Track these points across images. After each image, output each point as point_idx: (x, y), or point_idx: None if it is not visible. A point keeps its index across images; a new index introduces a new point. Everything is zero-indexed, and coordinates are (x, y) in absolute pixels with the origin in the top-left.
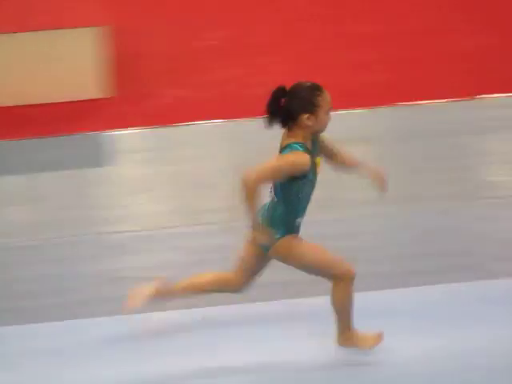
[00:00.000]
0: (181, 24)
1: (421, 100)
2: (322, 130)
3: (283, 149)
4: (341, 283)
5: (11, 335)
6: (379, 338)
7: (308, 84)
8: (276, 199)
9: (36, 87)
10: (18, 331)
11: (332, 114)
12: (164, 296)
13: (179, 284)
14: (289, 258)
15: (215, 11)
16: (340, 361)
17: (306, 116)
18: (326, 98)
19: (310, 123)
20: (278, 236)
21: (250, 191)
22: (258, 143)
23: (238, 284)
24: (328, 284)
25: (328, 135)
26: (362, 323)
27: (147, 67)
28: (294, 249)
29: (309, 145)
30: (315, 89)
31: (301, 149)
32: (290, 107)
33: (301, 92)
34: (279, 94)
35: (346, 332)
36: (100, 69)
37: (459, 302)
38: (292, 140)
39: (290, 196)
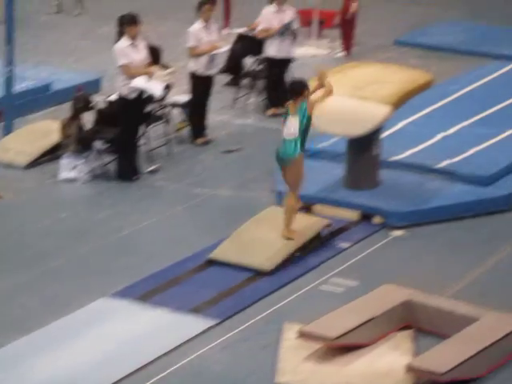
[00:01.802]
0: None
1: None
2: None
3: (300, 105)
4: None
5: None
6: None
7: (298, 78)
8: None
9: None
10: None
11: None
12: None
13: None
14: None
15: None
16: None
17: (307, 91)
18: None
19: (307, 93)
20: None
21: None
22: None
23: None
24: None
25: None
26: None
27: None
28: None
29: None
30: (301, 79)
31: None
32: (300, 88)
33: (300, 80)
34: (297, 85)
35: (288, 227)
36: None
37: None
38: (302, 101)
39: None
